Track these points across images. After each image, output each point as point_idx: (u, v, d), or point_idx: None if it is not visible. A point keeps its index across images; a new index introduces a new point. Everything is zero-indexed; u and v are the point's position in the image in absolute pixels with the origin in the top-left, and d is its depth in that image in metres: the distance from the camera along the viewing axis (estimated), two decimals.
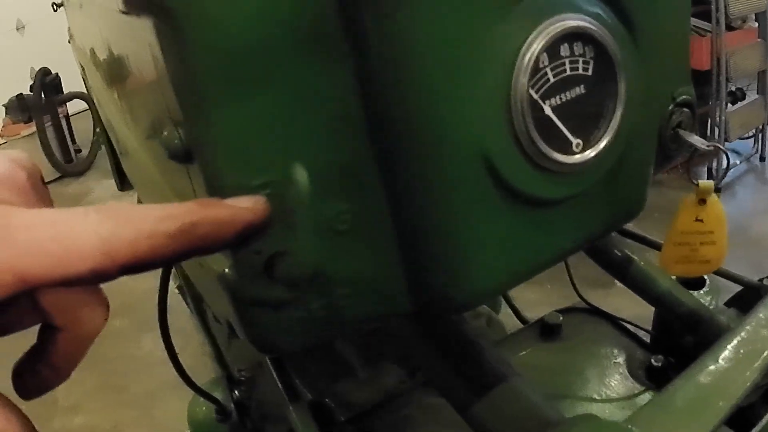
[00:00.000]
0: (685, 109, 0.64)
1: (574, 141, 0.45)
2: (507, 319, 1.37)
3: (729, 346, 0.58)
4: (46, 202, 0.34)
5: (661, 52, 0.53)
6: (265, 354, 0.84)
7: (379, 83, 0.40)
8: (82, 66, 1.10)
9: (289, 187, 0.41)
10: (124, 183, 1.38)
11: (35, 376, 0.31)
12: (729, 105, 3.94)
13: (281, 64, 0.38)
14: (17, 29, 5.99)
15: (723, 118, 3.91)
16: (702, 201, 0.68)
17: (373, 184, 0.44)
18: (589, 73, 0.44)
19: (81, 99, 4.57)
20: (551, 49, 0.41)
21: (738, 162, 4.28)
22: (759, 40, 3.92)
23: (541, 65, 0.41)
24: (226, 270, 0.44)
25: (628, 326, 1.08)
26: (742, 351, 0.57)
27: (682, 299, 0.88)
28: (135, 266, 0.28)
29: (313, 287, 0.44)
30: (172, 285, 1.73)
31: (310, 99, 0.40)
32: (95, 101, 1.02)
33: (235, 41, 0.37)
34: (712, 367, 0.56)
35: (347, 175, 0.43)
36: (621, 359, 1.00)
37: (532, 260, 0.49)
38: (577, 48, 0.43)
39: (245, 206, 0.33)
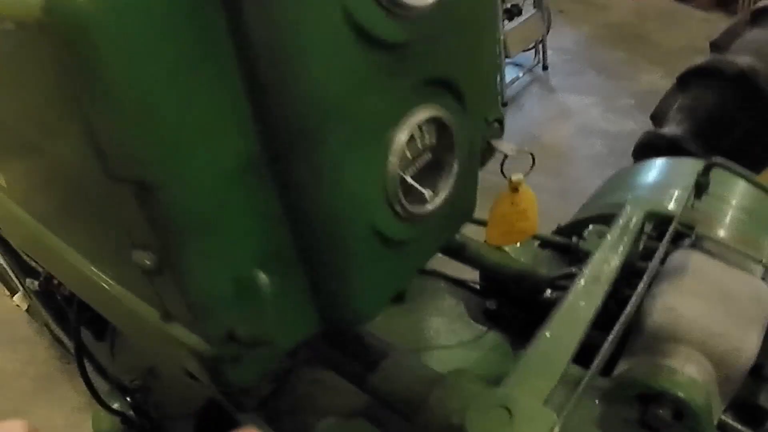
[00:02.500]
0: (496, 124, 0.82)
1: (427, 193, 0.63)
2: None
3: (558, 319, 0.79)
4: None
5: (480, 102, 0.70)
6: (224, 388, 0.98)
7: (297, 194, 0.55)
8: None
9: (248, 281, 0.56)
10: None
11: None
12: (506, 22, 4.01)
13: (232, 203, 0.52)
14: None
15: (501, 36, 3.93)
16: (515, 189, 0.85)
17: (294, 258, 0.60)
18: (434, 142, 0.62)
19: None
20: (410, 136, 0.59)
21: (521, 74, 4.41)
22: None
23: (404, 149, 0.58)
24: (198, 343, 0.60)
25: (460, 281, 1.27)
26: (567, 320, 0.79)
27: (509, 265, 1.11)
28: None
29: (261, 341, 0.59)
30: (23, 304, 1.74)
31: (253, 219, 0.55)
32: None
33: (200, 197, 0.50)
34: (549, 336, 0.77)
35: (279, 259, 0.58)
36: (461, 308, 1.19)
37: (402, 280, 0.71)
38: (425, 127, 0.60)
39: None
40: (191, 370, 0.67)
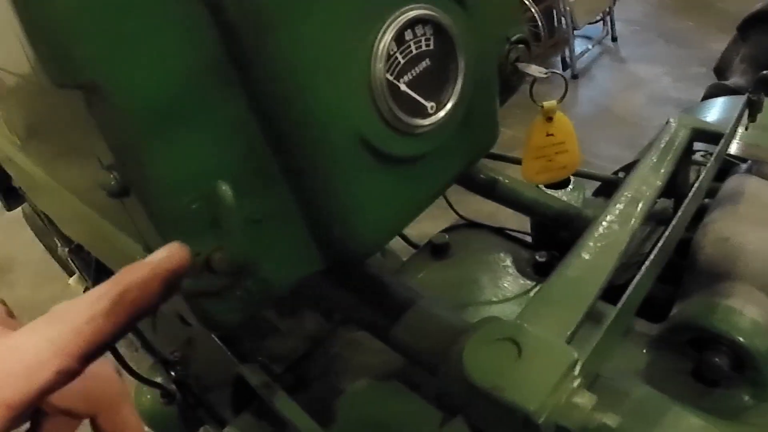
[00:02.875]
0: (520, 45, 0.73)
1: (428, 105, 0.54)
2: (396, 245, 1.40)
3: (589, 243, 0.67)
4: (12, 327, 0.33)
5: (490, 11, 0.61)
6: (214, 332, 0.91)
7: (267, 98, 0.48)
8: None
9: (215, 197, 0.48)
10: (11, 203, 1.44)
11: None
12: None
13: (192, 108, 0.46)
14: None
15: (567, 8, 3.93)
16: (549, 119, 0.77)
17: (276, 176, 0.52)
18: (432, 47, 0.53)
19: None
20: (398, 37, 0.50)
21: (590, 47, 4.37)
22: None
23: (391, 52, 0.49)
24: None
25: (510, 233, 1.17)
26: (599, 245, 0.67)
27: (549, 203, 0.98)
28: (90, 351, 0.29)
29: (246, 271, 0.52)
30: (79, 287, 1.74)
31: (219, 127, 0.47)
32: None
33: (154, 100, 0.44)
34: (577, 262, 0.65)
35: (256, 175, 0.51)
36: (509, 261, 1.09)
37: (410, 208, 0.60)
38: (419, 30, 0.51)
39: (161, 256, 0.34)
40: (180, 311, 0.61)
